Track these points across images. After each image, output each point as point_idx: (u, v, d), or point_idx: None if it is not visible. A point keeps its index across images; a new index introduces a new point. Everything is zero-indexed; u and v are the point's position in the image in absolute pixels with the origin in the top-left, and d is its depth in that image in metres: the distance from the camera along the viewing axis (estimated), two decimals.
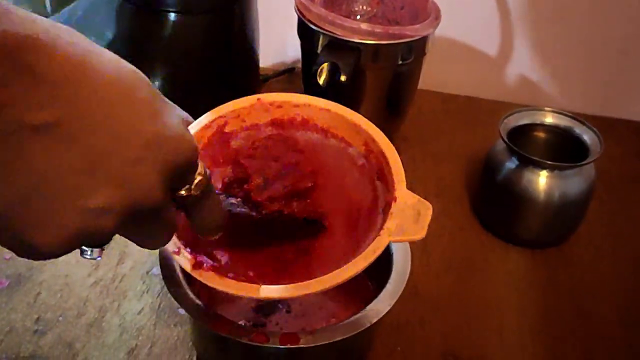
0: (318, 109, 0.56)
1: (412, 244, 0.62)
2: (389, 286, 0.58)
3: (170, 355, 0.64)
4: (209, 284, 0.48)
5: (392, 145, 0.53)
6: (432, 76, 0.94)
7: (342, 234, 0.53)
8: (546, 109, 0.81)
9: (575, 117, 0.79)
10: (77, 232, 0.33)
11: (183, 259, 0.49)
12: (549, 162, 0.74)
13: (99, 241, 0.36)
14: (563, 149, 0.79)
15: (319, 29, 0.79)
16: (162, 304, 0.69)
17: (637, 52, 1.00)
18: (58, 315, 0.67)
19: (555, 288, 0.75)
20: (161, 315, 0.68)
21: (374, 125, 0.55)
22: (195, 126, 0.53)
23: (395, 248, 0.62)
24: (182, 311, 0.68)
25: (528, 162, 0.75)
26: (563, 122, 0.80)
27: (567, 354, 0.68)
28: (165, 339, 0.66)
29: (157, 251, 0.73)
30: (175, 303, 0.68)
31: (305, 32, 0.82)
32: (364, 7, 0.90)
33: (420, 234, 0.49)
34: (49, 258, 0.33)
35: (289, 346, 0.53)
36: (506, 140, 0.75)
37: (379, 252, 0.48)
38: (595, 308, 0.73)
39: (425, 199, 0.83)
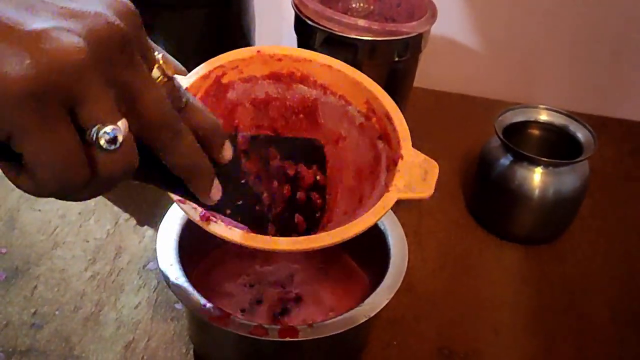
0: (319, 65, 0.54)
1: (409, 241, 0.63)
2: (387, 280, 0.59)
3: (167, 349, 0.65)
4: (218, 234, 0.46)
5: (395, 104, 0.52)
6: (427, 74, 0.94)
7: (343, 194, 0.52)
8: (541, 106, 0.81)
9: (569, 114, 0.80)
10: None
11: (190, 209, 0.47)
12: (544, 159, 0.74)
13: None
14: (557, 147, 0.79)
15: (316, 25, 0.80)
16: (159, 298, 0.69)
17: (630, 52, 1.01)
18: (55, 309, 0.67)
19: (548, 284, 0.76)
20: (158, 310, 0.68)
21: (377, 84, 0.53)
22: (193, 75, 0.52)
23: (392, 243, 0.63)
24: (179, 306, 0.68)
25: (522, 159, 0.75)
26: (557, 119, 0.80)
27: (560, 349, 0.68)
28: (162, 333, 0.66)
29: (153, 246, 0.74)
30: (172, 298, 0.69)
31: (302, 28, 0.82)
32: (361, 4, 0.90)
33: (427, 192, 0.48)
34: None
35: (287, 339, 0.53)
36: (501, 137, 0.76)
37: (388, 208, 0.47)
38: (587, 304, 0.74)
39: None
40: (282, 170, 0.52)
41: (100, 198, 0.80)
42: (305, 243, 0.47)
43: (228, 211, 0.47)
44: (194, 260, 0.67)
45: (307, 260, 0.71)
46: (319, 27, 0.79)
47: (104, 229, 0.76)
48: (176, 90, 0.37)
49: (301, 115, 0.56)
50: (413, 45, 0.81)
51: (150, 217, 0.78)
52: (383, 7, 0.90)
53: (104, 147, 0.32)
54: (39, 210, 0.78)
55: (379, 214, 0.47)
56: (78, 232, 0.76)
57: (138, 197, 0.80)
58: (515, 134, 0.79)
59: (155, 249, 0.72)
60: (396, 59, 0.81)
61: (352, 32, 0.78)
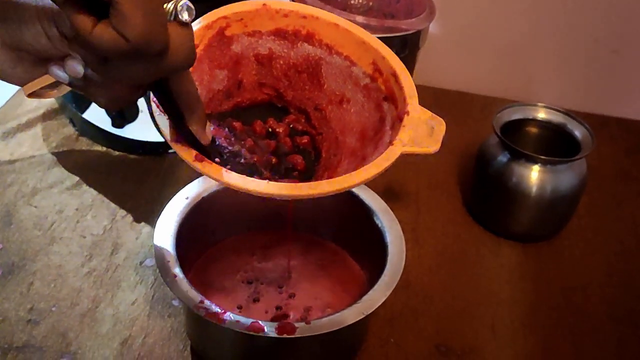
0: (326, 23, 0.53)
1: (406, 238, 0.63)
2: (384, 277, 0.59)
3: (164, 345, 0.64)
4: (213, 176, 0.45)
5: (402, 63, 0.51)
6: (425, 71, 0.94)
7: (346, 155, 0.51)
8: (539, 104, 0.81)
9: (567, 112, 0.80)
10: None
11: (184, 149, 0.46)
12: (541, 157, 0.74)
13: None
14: (555, 145, 0.79)
15: None
16: (156, 295, 0.69)
17: (629, 52, 1.01)
18: (51, 305, 0.67)
19: (546, 281, 0.76)
20: (155, 306, 0.68)
21: (384, 44, 0.52)
22: (196, 24, 0.51)
23: (390, 240, 0.63)
24: (176, 302, 0.68)
25: (520, 157, 0.75)
26: (555, 117, 0.80)
27: (557, 346, 0.68)
28: (159, 330, 0.66)
29: (150, 242, 0.74)
30: (169, 294, 0.69)
31: None
32: (360, 0, 0.90)
33: (434, 146, 0.47)
34: None
35: (285, 336, 0.53)
36: (499, 134, 0.76)
37: (392, 160, 0.46)
38: (585, 301, 0.74)
39: (417, 193, 0.85)
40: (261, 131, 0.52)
41: (97, 194, 0.80)
42: (303, 189, 0.46)
43: (217, 159, 0.47)
44: (191, 256, 0.67)
45: (305, 257, 0.71)
46: None
47: (101, 225, 0.76)
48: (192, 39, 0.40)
49: (304, 75, 0.55)
50: (411, 42, 0.81)
51: (147, 213, 0.78)
52: (382, 4, 0.90)
53: (184, 19, 0.36)
54: (36, 206, 0.78)
55: (381, 165, 0.46)
56: (75, 228, 0.75)
57: (135, 193, 0.80)
58: (513, 131, 0.79)
59: (152, 246, 0.73)
60: None
61: None
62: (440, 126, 0.48)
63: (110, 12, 0.35)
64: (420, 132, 0.48)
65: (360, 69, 0.53)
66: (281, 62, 0.55)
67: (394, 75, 0.51)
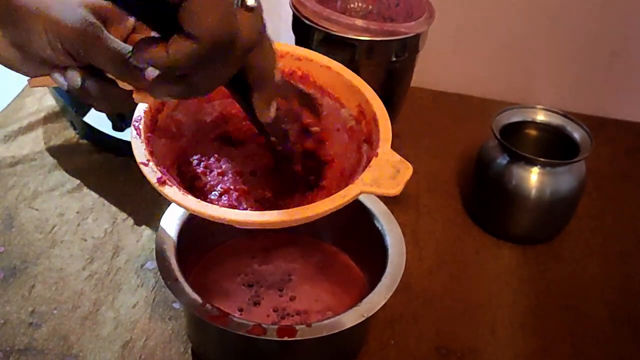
0: (318, 66, 0.55)
1: (406, 240, 0.63)
2: (385, 280, 0.59)
3: (165, 348, 0.65)
4: (171, 199, 0.47)
5: (384, 108, 0.53)
6: (424, 73, 0.95)
7: (322, 193, 0.53)
8: (538, 107, 0.82)
9: (566, 115, 0.80)
10: None
11: (150, 171, 0.48)
12: (541, 159, 0.75)
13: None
14: (554, 147, 0.79)
15: (314, 25, 0.80)
16: (157, 298, 0.69)
17: (627, 53, 1.01)
18: (53, 308, 0.67)
19: (545, 283, 0.76)
20: (156, 309, 0.68)
21: (371, 88, 0.54)
22: None
23: (390, 242, 0.63)
24: (176, 305, 0.68)
25: (519, 159, 0.76)
26: (554, 120, 0.81)
27: (557, 348, 0.69)
28: (160, 332, 0.66)
29: (151, 245, 0.74)
30: (170, 297, 0.69)
31: (300, 28, 0.82)
32: (360, 4, 0.90)
33: (395, 189, 0.48)
34: None
35: (286, 339, 0.53)
36: (498, 137, 0.76)
37: (347, 198, 0.47)
38: (584, 303, 0.74)
39: (417, 195, 0.86)
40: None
41: (98, 197, 0.80)
42: (253, 216, 0.48)
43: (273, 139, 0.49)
44: (191, 259, 0.67)
45: (305, 260, 0.71)
46: (317, 27, 0.79)
47: (102, 228, 0.76)
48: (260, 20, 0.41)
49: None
50: (411, 45, 0.81)
51: (148, 216, 0.78)
52: (381, 7, 0.90)
53: (250, 3, 0.37)
54: (37, 209, 0.78)
55: (335, 202, 0.47)
56: (76, 231, 0.76)
57: (136, 196, 0.80)
58: (513, 134, 0.79)
59: (152, 249, 0.73)
60: (394, 58, 0.81)
61: (350, 32, 0.78)
62: (406, 170, 0.49)
63: (180, 17, 0.35)
64: (384, 174, 0.48)
65: (348, 110, 0.55)
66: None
67: (374, 119, 0.52)
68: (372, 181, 0.48)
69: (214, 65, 0.38)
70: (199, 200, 0.48)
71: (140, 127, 0.50)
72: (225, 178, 0.53)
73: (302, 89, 0.54)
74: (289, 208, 0.48)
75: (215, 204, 0.50)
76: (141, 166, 0.48)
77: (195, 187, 0.52)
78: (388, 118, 0.52)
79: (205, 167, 0.54)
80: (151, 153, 0.49)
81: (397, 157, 0.49)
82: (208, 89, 0.41)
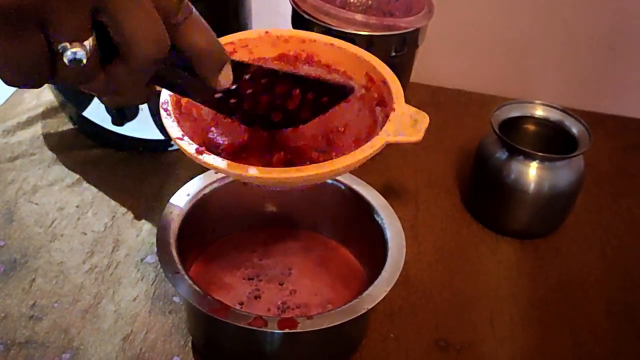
0: (322, 44, 0.57)
1: (405, 235, 0.64)
2: (384, 273, 0.59)
3: (165, 341, 0.65)
4: (211, 165, 0.48)
5: (392, 72, 0.55)
6: (423, 69, 0.95)
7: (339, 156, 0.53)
8: (537, 101, 0.82)
9: (565, 110, 0.80)
10: None
11: (186, 144, 0.49)
12: (539, 154, 0.75)
13: None
14: (553, 142, 0.80)
15: (313, 20, 0.80)
16: (157, 291, 0.69)
17: (626, 49, 1.01)
18: (53, 301, 0.67)
19: (544, 278, 0.76)
20: (156, 303, 0.68)
21: (374, 56, 0.56)
22: None
23: (390, 236, 0.63)
24: (176, 299, 0.69)
25: (518, 154, 0.76)
26: (553, 115, 0.81)
27: (555, 340, 0.69)
28: (160, 326, 0.66)
29: (151, 240, 0.74)
30: (170, 291, 0.69)
31: (300, 23, 0.82)
32: None
33: (417, 136, 0.51)
34: None
35: (287, 331, 0.53)
36: (497, 131, 0.76)
37: (375, 148, 0.49)
38: (583, 298, 0.74)
39: (416, 190, 0.86)
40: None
41: (97, 192, 0.80)
42: (284, 172, 0.48)
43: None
44: (192, 253, 0.68)
45: (306, 254, 0.71)
46: (317, 21, 0.80)
47: (102, 222, 0.77)
48: (174, 4, 0.39)
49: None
50: (410, 40, 0.82)
51: (148, 210, 0.78)
52: (381, 2, 0.90)
53: (67, 64, 0.35)
54: (36, 203, 0.78)
55: (365, 151, 0.49)
56: (76, 225, 0.76)
57: (136, 190, 0.80)
58: (511, 129, 0.79)
59: (152, 243, 0.73)
60: (393, 53, 0.81)
61: (350, 27, 0.78)
62: (424, 119, 0.52)
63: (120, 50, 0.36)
64: (404, 124, 0.51)
65: (356, 81, 0.57)
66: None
67: (384, 82, 0.55)
68: (394, 131, 0.50)
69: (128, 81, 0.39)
70: (237, 163, 0.49)
71: (169, 108, 0.52)
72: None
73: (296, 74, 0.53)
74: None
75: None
76: (177, 141, 0.50)
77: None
78: (397, 79, 0.55)
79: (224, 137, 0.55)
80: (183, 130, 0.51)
81: (413, 109, 0.52)
82: (135, 99, 0.42)
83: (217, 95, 0.47)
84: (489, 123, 0.77)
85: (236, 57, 0.55)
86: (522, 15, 1.01)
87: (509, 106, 0.81)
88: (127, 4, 0.36)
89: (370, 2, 0.90)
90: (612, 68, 1.03)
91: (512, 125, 0.80)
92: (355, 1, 0.90)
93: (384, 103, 0.55)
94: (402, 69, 0.87)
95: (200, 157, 0.48)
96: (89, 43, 0.35)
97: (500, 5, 1.01)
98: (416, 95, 1.02)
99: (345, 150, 0.53)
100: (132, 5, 0.36)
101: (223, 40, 0.55)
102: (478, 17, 1.02)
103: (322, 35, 0.58)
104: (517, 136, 0.79)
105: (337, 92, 0.51)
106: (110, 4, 0.35)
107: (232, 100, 0.48)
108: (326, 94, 0.51)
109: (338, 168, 0.49)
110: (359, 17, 0.78)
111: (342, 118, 0.56)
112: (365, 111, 0.56)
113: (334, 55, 0.57)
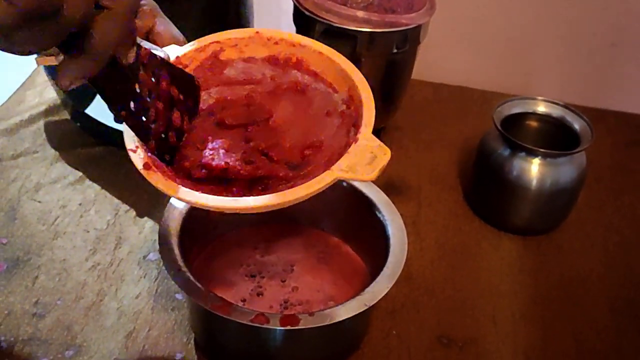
0: (312, 51, 0.56)
1: (407, 231, 0.64)
2: (386, 270, 0.59)
3: (168, 338, 0.65)
4: (152, 183, 0.48)
5: (371, 93, 0.53)
6: (425, 65, 0.95)
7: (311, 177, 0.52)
8: (538, 98, 0.82)
9: (566, 106, 0.80)
10: None
11: (136, 157, 0.49)
12: (541, 150, 0.75)
13: None
14: (555, 138, 0.80)
15: (315, 17, 0.80)
16: (159, 289, 0.70)
17: (628, 45, 1.01)
18: (56, 298, 0.68)
19: (546, 274, 0.76)
20: (158, 300, 0.68)
21: (360, 73, 0.54)
22: (187, 47, 0.53)
23: (392, 233, 0.63)
24: (179, 296, 0.69)
25: (520, 150, 0.76)
26: (555, 111, 0.81)
27: (557, 337, 0.69)
28: (163, 323, 0.66)
29: (153, 237, 0.74)
30: (173, 288, 0.69)
31: (301, 19, 0.82)
32: None
33: (370, 175, 0.47)
34: None
35: (289, 327, 0.54)
36: (499, 128, 0.76)
37: (322, 184, 0.47)
38: (585, 294, 0.74)
39: (418, 187, 0.86)
40: (168, 94, 0.52)
41: (100, 189, 0.80)
42: (235, 202, 0.48)
43: (123, 113, 0.48)
44: (194, 250, 0.68)
45: (308, 250, 0.71)
46: (318, 18, 0.79)
47: (104, 219, 0.77)
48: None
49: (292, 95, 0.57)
50: (412, 37, 0.82)
51: (150, 208, 0.78)
52: None
53: None
54: (39, 201, 0.78)
55: (311, 187, 0.47)
56: (78, 223, 0.76)
57: (138, 188, 0.80)
58: (513, 125, 0.79)
59: (155, 240, 0.73)
60: (395, 50, 0.81)
61: (351, 24, 0.78)
62: (383, 156, 0.48)
63: None
64: (362, 160, 0.48)
65: (340, 95, 0.55)
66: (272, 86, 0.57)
67: (360, 104, 0.52)
68: (348, 167, 0.48)
69: (31, 30, 0.39)
70: (180, 186, 0.49)
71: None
72: (217, 154, 0.53)
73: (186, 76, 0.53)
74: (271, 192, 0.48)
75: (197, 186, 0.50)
76: (129, 153, 0.49)
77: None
78: (373, 103, 0.52)
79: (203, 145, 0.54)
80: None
81: (377, 142, 0.49)
82: (25, 51, 0.41)
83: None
84: (491, 119, 0.77)
85: (223, 56, 0.55)
86: (524, 11, 1.01)
87: (511, 102, 0.81)
88: None
89: None
90: (614, 64, 1.03)
91: (514, 122, 0.80)
92: None
93: (357, 126, 0.52)
94: (403, 66, 0.87)
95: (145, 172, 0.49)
96: None
97: (502, 1, 1.01)
98: (418, 92, 1.02)
99: (314, 172, 0.51)
100: None
101: (209, 38, 0.54)
102: (480, 13, 1.02)
103: (312, 41, 0.56)
104: (519, 132, 0.79)
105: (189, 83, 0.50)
106: None
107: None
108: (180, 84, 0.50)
109: (279, 202, 0.47)
110: (360, 13, 0.78)
111: (322, 130, 0.55)
112: (342, 129, 0.54)
113: (322, 64, 0.55)
